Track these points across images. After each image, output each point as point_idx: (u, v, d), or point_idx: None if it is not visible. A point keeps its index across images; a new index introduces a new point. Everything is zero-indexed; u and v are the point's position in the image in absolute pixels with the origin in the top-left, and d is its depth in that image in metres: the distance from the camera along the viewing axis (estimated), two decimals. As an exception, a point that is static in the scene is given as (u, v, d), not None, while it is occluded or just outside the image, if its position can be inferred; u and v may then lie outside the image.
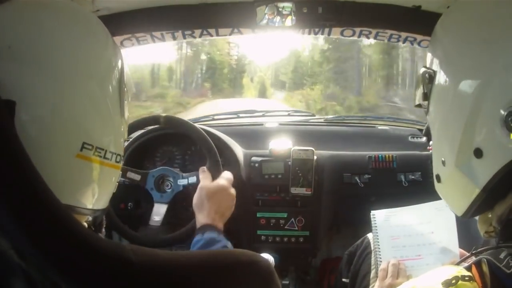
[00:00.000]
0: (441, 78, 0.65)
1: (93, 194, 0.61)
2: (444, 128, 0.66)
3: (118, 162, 0.65)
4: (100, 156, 0.59)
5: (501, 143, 0.55)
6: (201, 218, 0.98)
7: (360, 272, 1.05)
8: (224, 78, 16.26)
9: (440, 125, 0.67)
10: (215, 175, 1.12)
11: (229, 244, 0.93)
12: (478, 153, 0.57)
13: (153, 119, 1.32)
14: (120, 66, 0.66)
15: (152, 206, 1.27)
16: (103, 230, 0.85)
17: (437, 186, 0.71)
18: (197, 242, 0.91)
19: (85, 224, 0.66)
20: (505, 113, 0.54)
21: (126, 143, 1.38)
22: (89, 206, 0.61)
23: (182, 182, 1.27)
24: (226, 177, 1.10)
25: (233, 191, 1.07)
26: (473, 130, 0.58)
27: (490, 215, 0.63)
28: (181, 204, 1.37)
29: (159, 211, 1.26)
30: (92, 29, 0.63)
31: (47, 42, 0.55)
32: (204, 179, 1.08)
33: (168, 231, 1.33)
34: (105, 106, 0.61)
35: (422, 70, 0.69)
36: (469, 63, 0.60)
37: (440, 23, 0.71)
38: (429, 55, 0.70)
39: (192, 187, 1.24)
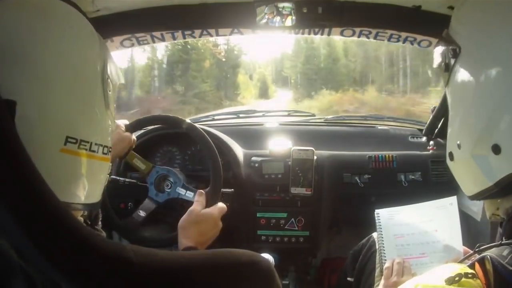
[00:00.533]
0: (468, 60, 0.63)
1: (83, 188, 0.61)
2: (465, 114, 0.65)
3: (105, 154, 0.64)
4: (86, 149, 0.59)
5: None
6: (183, 239, 0.98)
7: (365, 271, 1.06)
8: (205, 76, 11.51)
9: (460, 108, 0.66)
10: (210, 202, 1.11)
11: None
12: (497, 149, 0.57)
13: (176, 122, 1.30)
14: (103, 57, 0.65)
15: (158, 210, 1.26)
16: (100, 223, 0.85)
17: (449, 162, 0.70)
18: None
19: (81, 219, 0.66)
20: None
21: None
22: (82, 201, 0.61)
23: (180, 191, 1.27)
24: (219, 207, 1.09)
25: (220, 223, 1.07)
26: (495, 124, 0.58)
27: (499, 200, 0.64)
28: (170, 208, 1.37)
29: (147, 207, 1.26)
30: (70, 20, 0.62)
31: (23, 37, 0.54)
32: (197, 203, 1.07)
33: (147, 229, 1.33)
34: (88, 98, 0.61)
35: (447, 38, 0.66)
36: (503, 57, 0.58)
37: (468, 7, 0.68)
38: (453, 29, 0.68)
39: (185, 203, 1.25)
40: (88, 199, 0.62)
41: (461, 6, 0.69)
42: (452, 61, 0.66)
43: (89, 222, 0.75)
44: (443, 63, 0.68)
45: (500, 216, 0.64)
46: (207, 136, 1.27)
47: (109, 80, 0.66)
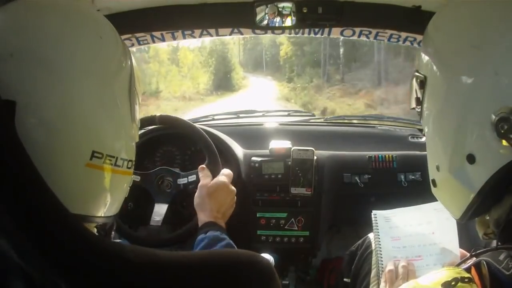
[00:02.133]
0: (432, 81, 0.65)
1: (104, 202, 0.59)
2: (437, 133, 0.65)
3: (129, 168, 0.63)
4: (111, 164, 0.58)
5: (493, 148, 0.55)
6: (203, 217, 0.98)
7: (361, 272, 1.05)
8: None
9: (432, 129, 0.67)
10: (214, 173, 1.12)
11: (232, 242, 0.92)
12: (471, 158, 0.57)
13: (148, 120, 1.32)
14: (129, 68, 0.64)
15: (153, 206, 1.27)
16: (113, 232, 0.83)
17: (433, 190, 0.71)
18: (201, 241, 0.90)
19: (94, 230, 0.65)
20: (496, 119, 0.53)
21: None
22: (101, 214, 0.60)
23: (182, 181, 1.27)
24: (225, 174, 1.09)
25: (233, 188, 1.07)
26: (464, 135, 0.58)
27: (487, 217, 0.63)
28: (181, 203, 1.37)
29: (159, 211, 1.26)
30: (100, 29, 0.61)
31: (52, 43, 0.53)
32: (203, 177, 1.07)
33: (169, 230, 1.33)
34: (115, 110, 0.59)
35: (415, 75, 0.69)
36: (460, 66, 0.60)
37: (432, 23, 0.71)
38: (421, 58, 0.70)
39: (193, 186, 1.25)
40: (107, 213, 0.61)
41: (441, 13, 0.70)
42: (421, 92, 0.67)
43: (103, 233, 0.73)
44: (414, 99, 0.69)
45: (492, 234, 0.64)
46: (182, 119, 1.31)
47: (136, 92, 0.65)
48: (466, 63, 0.59)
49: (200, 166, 1.14)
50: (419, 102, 0.68)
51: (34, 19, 0.55)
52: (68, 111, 0.53)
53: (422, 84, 0.66)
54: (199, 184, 1.06)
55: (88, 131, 0.55)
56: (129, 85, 0.63)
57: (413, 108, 0.72)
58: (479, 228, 0.67)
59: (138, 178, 1.28)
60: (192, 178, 1.26)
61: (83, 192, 0.56)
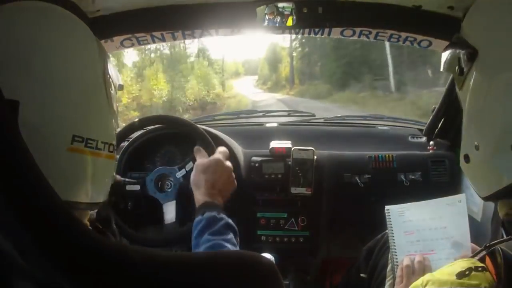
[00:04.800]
0: (485, 57, 0.63)
1: (90, 187, 0.61)
2: (483, 116, 0.64)
3: (111, 152, 0.65)
4: (92, 147, 0.60)
5: None
6: (198, 196, 0.95)
7: (378, 267, 1.06)
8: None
9: (478, 107, 0.66)
10: (209, 152, 1.10)
11: (231, 221, 0.89)
12: None
13: (129, 128, 1.33)
14: (102, 59, 0.66)
15: (161, 208, 1.26)
16: (114, 227, 0.84)
17: (464, 165, 0.70)
18: (198, 224, 0.87)
19: (87, 223, 0.66)
20: None
21: (126, 143, 1.38)
22: (87, 200, 0.61)
23: (181, 173, 1.27)
24: (220, 150, 1.07)
25: (229, 164, 1.03)
26: None
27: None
28: (188, 196, 1.37)
29: (169, 210, 1.26)
30: (69, 27, 0.63)
31: (28, 45, 0.56)
32: (199, 157, 1.05)
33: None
34: (91, 98, 0.62)
35: (460, 42, 0.66)
36: None
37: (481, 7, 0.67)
38: (472, 27, 0.67)
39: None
40: (94, 198, 0.62)
41: (474, 11, 0.69)
42: (468, 64, 0.65)
43: (100, 227, 0.74)
44: (457, 67, 0.67)
45: None
46: (160, 114, 1.34)
47: (110, 80, 0.67)
48: None
49: (195, 147, 1.11)
50: (462, 72, 0.66)
51: (4, 20, 0.56)
52: (46, 103, 0.55)
53: (472, 57, 0.63)
54: (195, 164, 1.03)
55: (67, 118, 0.57)
56: (103, 73, 0.65)
57: (445, 71, 0.70)
58: (500, 207, 0.68)
59: (137, 188, 1.28)
60: (190, 165, 1.25)
61: (68, 176, 0.58)
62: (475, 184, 0.70)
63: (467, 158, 0.69)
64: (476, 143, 0.65)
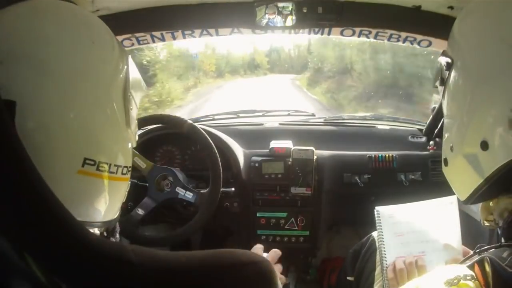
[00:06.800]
0: (458, 65, 0.66)
1: (101, 208, 0.59)
2: (456, 116, 0.66)
3: (124, 174, 0.62)
4: (105, 171, 0.57)
5: (506, 141, 0.56)
6: None
7: (365, 270, 1.05)
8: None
9: (452, 111, 0.68)
10: (210, 202, 1.19)
11: None
12: (484, 145, 0.59)
13: (177, 122, 1.32)
14: (125, 73, 0.63)
15: (143, 197, 1.28)
16: (117, 235, 0.83)
17: (444, 169, 0.72)
18: None
19: (98, 232, 0.64)
20: None
21: None
22: (99, 220, 0.60)
23: (179, 191, 1.29)
24: (271, 255, 0.94)
25: (279, 267, 0.94)
26: (482, 122, 0.59)
27: (491, 204, 0.65)
28: (169, 208, 1.39)
29: (146, 206, 1.28)
30: (92, 33, 0.61)
31: (50, 48, 0.54)
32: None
33: (146, 228, 1.36)
34: (109, 116, 0.59)
35: (442, 56, 0.69)
36: (488, 58, 0.61)
37: (465, 11, 0.70)
38: (450, 40, 0.71)
39: (185, 202, 1.29)
40: (105, 217, 0.61)
41: (464, 16, 0.71)
42: (446, 73, 0.68)
43: (106, 234, 0.73)
44: (439, 77, 0.71)
45: (494, 222, 0.65)
46: (208, 137, 1.29)
47: (131, 97, 0.63)
48: (494, 58, 0.60)
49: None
50: (443, 82, 0.70)
51: (30, 23, 0.55)
52: (61, 115, 0.53)
53: (449, 66, 0.67)
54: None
55: (81, 137, 0.55)
56: (123, 89, 0.62)
57: (436, 87, 0.74)
58: (482, 213, 0.68)
59: (143, 166, 1.28)
60: (188, 197, 1.28)
61: (78, 198, 0.56)
62: (454, 188, 0.71)
63: (445, 162, 0.70)
64: (451, 144, 0.67)
